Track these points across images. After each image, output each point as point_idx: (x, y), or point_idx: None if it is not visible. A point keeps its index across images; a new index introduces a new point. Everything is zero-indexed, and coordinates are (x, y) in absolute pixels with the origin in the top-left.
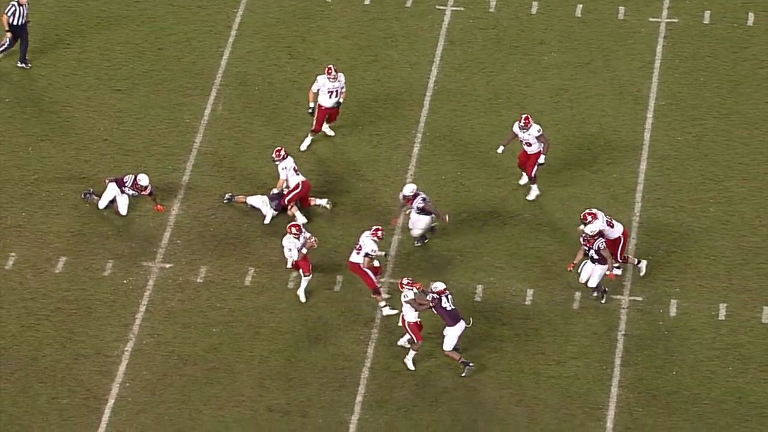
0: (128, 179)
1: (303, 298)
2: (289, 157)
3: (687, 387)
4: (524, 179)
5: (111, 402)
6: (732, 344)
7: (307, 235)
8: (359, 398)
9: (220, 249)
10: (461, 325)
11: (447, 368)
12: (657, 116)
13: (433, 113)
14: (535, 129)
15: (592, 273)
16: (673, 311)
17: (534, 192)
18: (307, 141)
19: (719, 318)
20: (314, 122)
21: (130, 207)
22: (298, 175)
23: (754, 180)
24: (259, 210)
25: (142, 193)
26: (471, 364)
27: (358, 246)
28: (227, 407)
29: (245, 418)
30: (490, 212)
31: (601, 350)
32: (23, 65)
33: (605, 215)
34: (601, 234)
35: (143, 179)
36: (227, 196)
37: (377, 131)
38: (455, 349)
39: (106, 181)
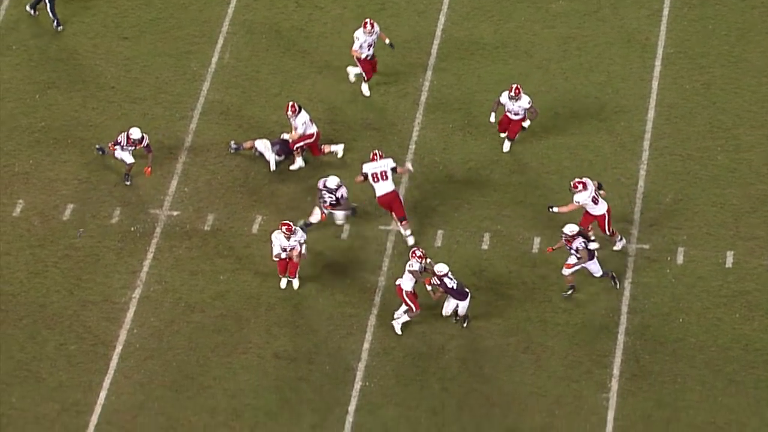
0: (121, 138)
1: (283, 284)
2: (303, 110)
3: (694, 334)
4: (507, 145)
5: (119, 348)
6: (739, 292)
7: (299, 239)
8: (366, 345)
9: (227, 197)
10: (469, 297)
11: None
12: (665, 64)
13: (440, 62)
14: (525, 100)
15: (589, 268)
16: (680, 259)
17: (507, 145)
18: (364, 87)
19: (726, 266)
20: (363, 73)
21: (139, 156)
22: (312, 125)
23: (762, 128)
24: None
25: (138, 147)
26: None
27: (382, 173)
28: (235, 354)
29: (252, 365)
30: (498, 160)
31: (607, 298)
32: (31, 11)
33: (594, 189)
34: (580, 234)
35: (134, 132)
36: (233, 146)
37: (385, 80)
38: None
39: (110, 147)
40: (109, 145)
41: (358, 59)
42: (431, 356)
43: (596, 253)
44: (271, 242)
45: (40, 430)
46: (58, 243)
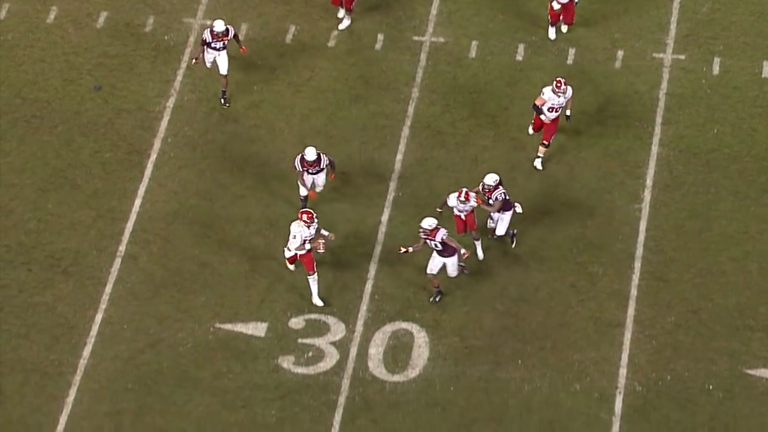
0: (206, 35)
1: (319, 302)
2: None
3: (728, 144)
4: (552, 32)
5: (153, 157)
6: None
7: (316, 229)
8: (399, 156)
9: (260, 6)
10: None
11: (487, 127)
12: None
13: None
14: None
15: (498, 221)
16: (715, 69)
17: (553, 32)
18: None
19: (762, 75)
20: None
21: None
22: None
23: None
24: None
25: (225, 39)
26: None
27: None
28: (269, 164)
29: (286, 175)
30: None
31: (642, 109)
32: None
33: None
34: (500, 183)
35: (218, 25)
36: None
37: None
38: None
39: (194, 61)
40: (195, 59)
41: None
42: (464, 168)
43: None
44: (290, 236)
45: (75, 235)
46: (92, 51)
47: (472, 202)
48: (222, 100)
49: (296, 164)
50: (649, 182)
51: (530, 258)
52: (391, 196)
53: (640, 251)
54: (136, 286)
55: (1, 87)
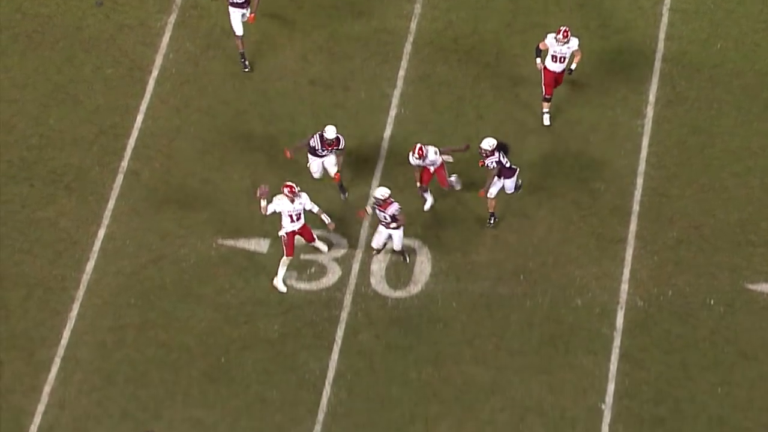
0: None
1: (282, 287)
2: None
3: (731, 60)
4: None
5: (155, 73)
6: None
7: (304, 203)
8: (402, 72)
9: None
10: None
11: (489, 44)
12: None
13: None
14: None
15: (504, 188)
16: None
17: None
18: None
19: None
20: None
21: None
22: None
23: None
24: None
25: None
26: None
27: None
28: (270, 80)
29: (288, 91)
30: None
31: (645, 24)
32: None
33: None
34: (498, 148)
35: None
36: None
37: None
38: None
39: None
40: None
41: None
42: (466, 84)
43: (512, 179)
44: (274, 210)
45: (78, 151)
46: None
47: (432, 156)
48: (244, 62)
49: (313, 142)
50: (651, 98)
51: (532, 174)
52: (393, 112)
53: (642, 167)
54: (138, 202)
55: (2, 2)
